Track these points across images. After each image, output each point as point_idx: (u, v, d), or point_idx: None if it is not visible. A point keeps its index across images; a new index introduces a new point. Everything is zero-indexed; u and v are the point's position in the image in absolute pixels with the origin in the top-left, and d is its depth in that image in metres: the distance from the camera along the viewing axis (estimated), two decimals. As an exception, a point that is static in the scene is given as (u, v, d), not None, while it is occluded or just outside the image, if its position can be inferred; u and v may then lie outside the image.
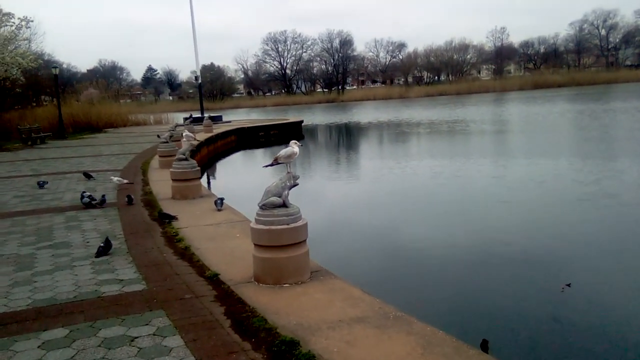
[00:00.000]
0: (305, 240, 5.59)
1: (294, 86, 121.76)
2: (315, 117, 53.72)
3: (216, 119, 35.64)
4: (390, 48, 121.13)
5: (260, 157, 28.82)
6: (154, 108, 60.89)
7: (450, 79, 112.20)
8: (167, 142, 16.04)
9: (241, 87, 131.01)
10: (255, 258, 5.63)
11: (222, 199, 9.58)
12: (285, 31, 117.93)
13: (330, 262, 6.61)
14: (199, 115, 36.88)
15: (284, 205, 5.50)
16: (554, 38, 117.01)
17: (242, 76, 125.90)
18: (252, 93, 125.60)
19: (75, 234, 8.08)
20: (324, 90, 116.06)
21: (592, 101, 47.44)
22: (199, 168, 10.92)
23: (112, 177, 11.91)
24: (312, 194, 14.83)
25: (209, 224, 8.44)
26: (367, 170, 19.30)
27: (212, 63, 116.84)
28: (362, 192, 15.45)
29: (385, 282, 7.68)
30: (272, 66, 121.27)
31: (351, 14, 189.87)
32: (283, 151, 5.65)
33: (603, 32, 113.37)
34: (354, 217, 12.18)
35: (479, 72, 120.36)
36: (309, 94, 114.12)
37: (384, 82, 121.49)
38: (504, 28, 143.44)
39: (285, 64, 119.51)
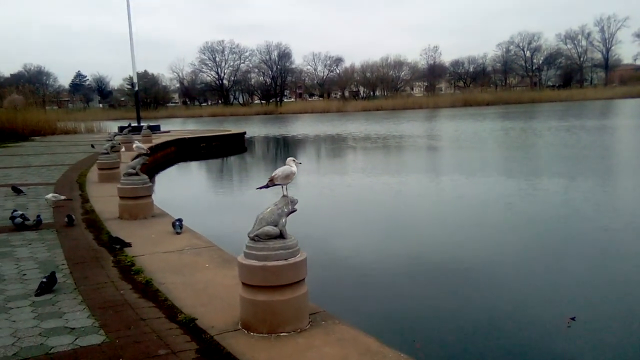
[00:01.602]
0: (304, 279, 4.70)
1: (232, 97, 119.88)
2: (254, 128, 52.54)
3: (154, 129, 33.82)
4: (328, 62, 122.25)
5: (202, 169, 27.49)
6: (84, 116, 57.63)
7: (386, 94, 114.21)
8: (107, 153, 14.62)
9: (176, 96, 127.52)
10: (243, 300, 4.66)
11: (180, 220, 8.48)
12: (222, 41, 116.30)
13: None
14: (136, 124, 34.88)
15: (281, 236, 4.59)
16: (483, 58, 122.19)
17: (178, 85, 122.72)
18: (188, 103, 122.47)
19: (7, 264, 6.76)
20: (262, 101, 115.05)
21: (524, 119, 49.13)
22: (151, 184, 9.75)
23: (47, 196, 10.43)
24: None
25: (170, 251, 7.33)
26: (312, 185, 18.56)
27: (145, 70, 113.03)
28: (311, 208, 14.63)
29: (378, 316, 6.87)
30: (209, 76, 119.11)
31: (290, 27, 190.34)
32: (280, 170, 4.74)
33: (528, 53, 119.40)
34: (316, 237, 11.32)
35: (412, 89, 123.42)
36: (247, 105, 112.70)
37: (321, 96, 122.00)
38: (436, 47, 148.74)
39: (222, 74, 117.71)
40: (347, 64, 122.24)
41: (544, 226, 11.20)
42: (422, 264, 9.11)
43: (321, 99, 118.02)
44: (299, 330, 4.58)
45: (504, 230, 11.19)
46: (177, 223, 8.38)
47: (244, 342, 4.39)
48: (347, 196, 15.85)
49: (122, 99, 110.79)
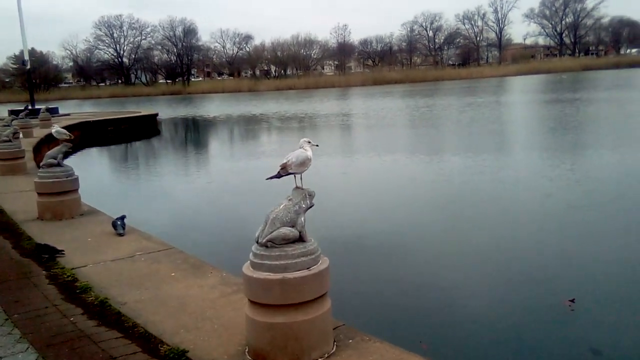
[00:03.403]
0: (328, 291, 3.74)
1: (133, 76, 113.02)
2: (163, 109, 49.26)
3: (53, 112, 30.56)
4: (237, 40, 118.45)
5: (115, 155, 25.16)
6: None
7: (298, 73, 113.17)
8: (9, 140, 12.60)
9: (70, 76, 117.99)
10: (254, 324, 3.63)
11: (123, 219, 7.12)
12: (120, 15, 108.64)
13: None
14: (31, 107, 31.28)
15: (301, 239, 3.59)
16: (389, 37, 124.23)
17: (71, 64, 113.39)
18: (84, 83, 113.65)
19: None
20: (167, 81, 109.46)
21: (438, 96, 50.17)
22: (77, 176, 8.20)
23: None
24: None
25: (119, 258, 6.03)
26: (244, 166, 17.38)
27: (33, 48, 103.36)
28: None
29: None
30: (106, 53, 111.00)
31: (194, 1, 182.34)
32: (293, 156, 3.70)
33: (430, 33, 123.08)
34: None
35: (323, 68, 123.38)
36: (151, 85, 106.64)
37: (231, 75, 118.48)
38: (346, 25, 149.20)
39: (122, 52, 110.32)
40: (257, 41, 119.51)
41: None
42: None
43: (231, 77, 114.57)
44: (326, 355, 3.65)
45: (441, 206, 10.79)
46: (119, 222, 7.02)
47: (266, 382, 3.38)
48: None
49: (7, 80, 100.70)
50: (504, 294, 6.53)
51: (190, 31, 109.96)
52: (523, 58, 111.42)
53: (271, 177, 3.70)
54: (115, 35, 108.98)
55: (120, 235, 6.90)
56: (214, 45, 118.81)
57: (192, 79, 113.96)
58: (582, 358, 5.09)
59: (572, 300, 5.86)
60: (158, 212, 11.19)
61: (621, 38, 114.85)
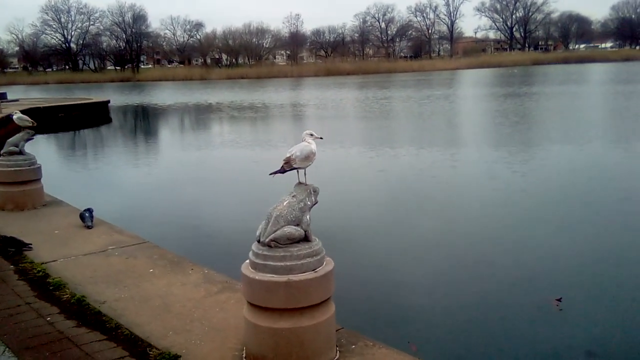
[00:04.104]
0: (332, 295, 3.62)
1: (81, 62, 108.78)
2: (113, 96, 47.44)
3: (1, 97, 29.00)
4: (188, 27, 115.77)
5: (67, 143, 24.06)
6: None
7: (249, 62, 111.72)
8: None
9: (15, 61, 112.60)
10: (255, 328, 3.48)
11: (91, 211, 6.77)
12: (68, 0, 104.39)
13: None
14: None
15: (306, 238, 3.46)
16: (342, 28, 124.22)
17: (17, 49, 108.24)
18: (30, 68, 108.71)
19: None
20: (116, 68, 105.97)
21: (392, 89, 50.58)
22: (39, 164, 7.76)
23: None
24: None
25: (91, 252, 5.72)
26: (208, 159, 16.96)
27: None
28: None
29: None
30: (53, 38, 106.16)
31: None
32: (297, 149, 3.53)
33: (383, 24, 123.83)
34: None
35: (275, 57, 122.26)
36: (100, 72, 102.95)
37: (181, 62, 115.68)
38: (298, 15, 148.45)
39: (69, 37, 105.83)
40: (208, 29, 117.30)
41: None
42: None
43: (181, 65, 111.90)
44: (330, 361, 3.53)
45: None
46: (88, 214, 6.69)
47: (271, 387, 3.25)
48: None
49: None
50: (491, 293, 6.51)
51: (139, 17, 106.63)
52: (474, 51, 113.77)
53: (275, 172, 3.53)
54: (62, 20, 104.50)
55: (89, 227, 6.58)
56: (163, 32, 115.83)
57: (142, 66, 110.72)
58: (571, 358, 5.16)
59: (559, 300, 5.92)
60: (121, 203, 10.67)
61: (570, 33, 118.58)
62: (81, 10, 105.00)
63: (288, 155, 3.53)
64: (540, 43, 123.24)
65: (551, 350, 5.20)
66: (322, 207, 3.81)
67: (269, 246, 3.40)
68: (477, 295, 6.36)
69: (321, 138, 3.68)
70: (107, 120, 31.16)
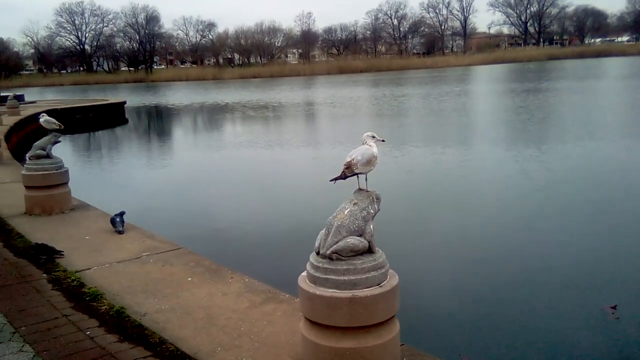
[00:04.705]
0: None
1: (95, 64, 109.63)
2: (128, 97, 47.48)
3: (19, 99, 29.11)
4: (200, 27, 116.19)
5: (86, 144, 24.02)
6: None
7: (262, 61, 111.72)
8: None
9: (30, 63, 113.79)
10: (313, 348, 3.22)
11: (122, 215, 6.57)
12: (82, 2, 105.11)
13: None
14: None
15: (370, 250, 3.20)
16: (354, 26, 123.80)
17: (32, 51, 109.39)
18: (45, 70, 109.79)
19: None
20: (130, 69, 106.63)
21: (409, 86, 50.06)
22: (67, 168, 7.59)
23: None
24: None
25: (125, 260, 5.51)
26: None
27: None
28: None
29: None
30: (68, 40, 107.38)
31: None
32: (358, 153, 3.27)
33: (395, 22, 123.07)
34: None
35: (287, 56, 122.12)
36: (114, 73, 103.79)
37: (194, 63, 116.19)
38: (310, 13, 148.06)
39: (83, 39, 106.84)
40: (220, 29, 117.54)
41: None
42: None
43: (194, 65, 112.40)
44: (398, 383, 3.27)
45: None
46: (119, 219, 6.48)
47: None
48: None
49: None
50: (549, 299, 6.19)
51: (152, 18, 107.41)
52: (487, 47, 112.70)
53: (336, 179, 3.27)
54: (76, 22, 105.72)
55: (120, 232, 6.37)
56: (176, 33, 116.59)
57: (155, 67, 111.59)
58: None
59: (614, 307, 5.60)
60: (147, 205, 10.45)
61: (585, 27, 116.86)
62: (95, 12, 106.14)
63: (348, 159, 3.26)
64: (555, 38, 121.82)
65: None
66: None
67: (330, 259, 3.14)
68: (534, 303, 6.07)
69: (383, 141, 3.41)
70: (123, 121, 31.19)
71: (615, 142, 15.44)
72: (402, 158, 14.46)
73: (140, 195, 11.64)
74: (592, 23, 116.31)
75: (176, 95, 52.13)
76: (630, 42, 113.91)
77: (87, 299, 4.58)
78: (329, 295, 3.09)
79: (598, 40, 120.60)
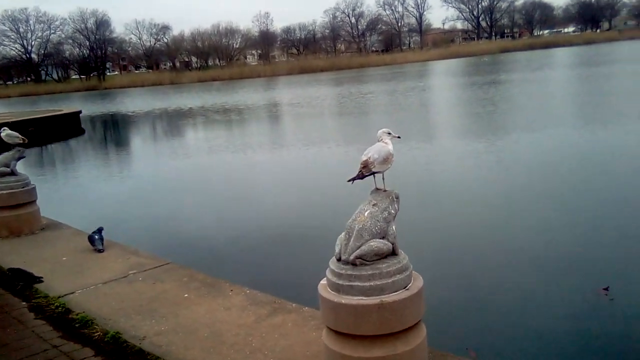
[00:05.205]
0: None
1: (43, 73, 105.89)
2: (81, 107, 45.82)
3: (-34, 113, 27.74)
4: (154, 30, 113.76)
5: (43, 158, 22.98)
6: None
7: (220, 64, 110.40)
8: None
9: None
10: (340, 359, 3.01)
11: (101, 231, 6.18)
12: (26, 9, 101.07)
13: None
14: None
15: (393, 252, 3.01)
16: (312, 25, 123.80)
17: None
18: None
19: None
20: (81, 76, 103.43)
21: (372, 83, 50.18)
22: (34, 185, 7.13)
23: None
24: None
25: (110, 280, 5.16)
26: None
27: None
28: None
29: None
30: (12, 49, 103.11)
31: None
32: (375, 151, 3.07)
33: (353, 20, 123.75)
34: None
35: (246, 57, 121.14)
36: (64, 82, 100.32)
37: (149, 67, 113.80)
38: (267, 13, 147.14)
39: (29, 47, 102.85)
40: (175, 32, 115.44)
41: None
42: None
43: (150, 70, 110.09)
44: (426, 391, 3.09)
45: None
46: (97, 236, 6.10)
47: None
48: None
49: None
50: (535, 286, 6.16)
51: (102, 23, 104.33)
52: (443, 42, 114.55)
53: (353, 179, 3.06)
54: (21, 30, 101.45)
55: (100, 251, 6.00)
56: (129, 37, 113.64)
57: (108, 73, 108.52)
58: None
59: (606, 289, 5.61)
60: (121, 219, 9.91)
61: (534, 20, 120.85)
62: (40, 18, 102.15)
63: (364, 158, 3.06)
64: (506, 31, 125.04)
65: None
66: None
67: (354, 264, 2.94)
68: (526, 289, 6.00)
69: (399, 137, 3.22)
70: (79, 131, 30.10)
71: (584, 127, 15.74)
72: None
73: (113, 209, 11.01)
74: (540, 15, 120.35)
75: (134, 102, 50.79)
76: (576, 33, 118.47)
77: (77, 325, 4.24)
78: (355, 303, 2.89)
79: (546, 31, 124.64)
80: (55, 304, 4.63)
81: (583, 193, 9.44)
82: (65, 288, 4.99)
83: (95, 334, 4.06)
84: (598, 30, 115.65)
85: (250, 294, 4.61)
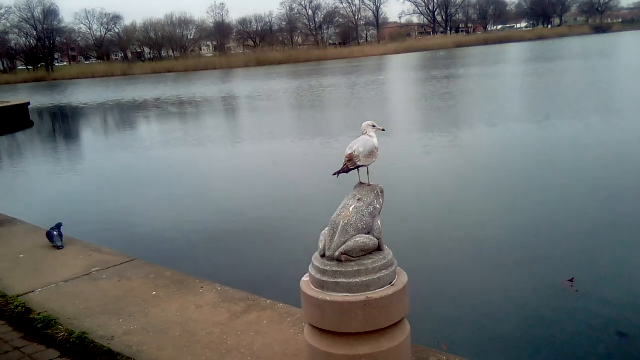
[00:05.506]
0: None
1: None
2: (29, 99, 43.96)
3: None
4: (105, 20, 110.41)
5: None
6: None
7: (175, 55, 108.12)
8: None
9: None
10: (325, 357, 2.94)
11: (59, 227, 5.90)
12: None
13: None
14: None
15: (379, 248, 2.95)
16: (269, 17, 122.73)
17: None
18: None
19: None
20: (28, 67, 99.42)
21: (332, 76, 50.10)
22: (-15, 180, 6.73)
23: None
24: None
25: (72, 278, 4.93)
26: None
27: None
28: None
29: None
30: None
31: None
32: (360, 144, 3.01)
33: (310, 12, 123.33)
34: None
35: (201, 49, 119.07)
36: (10, 73, 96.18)
37: (100, 58, 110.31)
38: (223, 4, 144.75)
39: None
40: (127, 22, 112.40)
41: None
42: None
43: (100, 61, 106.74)
44: (408, 387, 3.06)
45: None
46: (56, 232, 5.83)
47: None
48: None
49: None
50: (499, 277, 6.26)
51: (50, 12, 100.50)
52: (400, 37, 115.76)
53: (338, 172, 2.98)
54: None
55: (59, 248, 5.73)
56: (78, 27, 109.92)
57: (57, 64, 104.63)
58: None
59: (572, 280, 5.75)
60: (79, 214, 9.50)
61: (488, 15, 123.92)
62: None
63: (349, 152, 2.99)
64: (460, 26, 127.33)
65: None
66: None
67: (339, 260, 2.87)
68: (495, 281, 6.09)
69: (383, 130, 3.17)
70: (28, 124, 28.90)
71: (544, 121, 16.09)
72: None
73: (69, 204, 10.55)
74: (493, 11, 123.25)
75: (85, 94, 49.15)
76: (528, 28, 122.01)
77: (39, 326, 4.02)
78: (340, 300, 2.81)
79: (499, 27, 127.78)
80: (15, 304, 4.38)
81: (547, 185, 9.66)
82: (24, 287, 4.74)
83: (60, 335, 3.86)
84: (549, 26, 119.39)
85: (222, 290, 4.49)
